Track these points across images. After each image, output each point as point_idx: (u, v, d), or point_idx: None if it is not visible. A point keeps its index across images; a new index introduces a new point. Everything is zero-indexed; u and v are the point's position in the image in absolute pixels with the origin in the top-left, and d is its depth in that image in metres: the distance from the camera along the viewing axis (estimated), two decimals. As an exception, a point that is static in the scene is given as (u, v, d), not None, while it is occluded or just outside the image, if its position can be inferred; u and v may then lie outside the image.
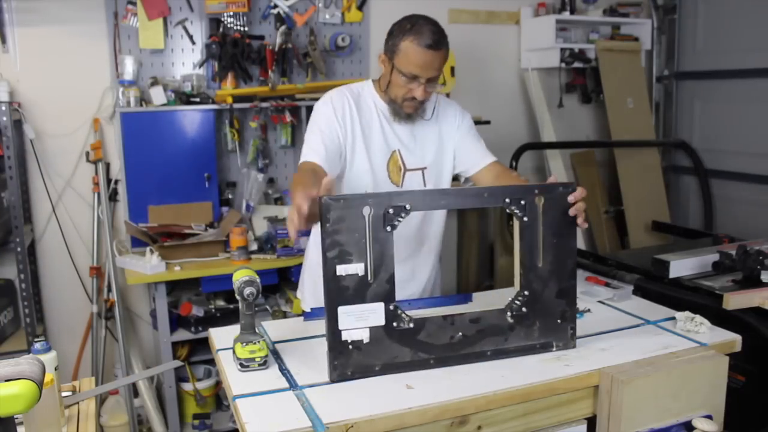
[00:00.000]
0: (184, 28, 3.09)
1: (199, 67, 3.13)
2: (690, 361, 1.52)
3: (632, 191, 3.85)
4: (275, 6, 3.19)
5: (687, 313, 1.72)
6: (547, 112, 3.80)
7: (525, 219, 1.51)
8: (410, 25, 1.79)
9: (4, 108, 2.56)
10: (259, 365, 1.48)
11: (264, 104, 3.08)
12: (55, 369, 1.41)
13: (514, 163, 3.54)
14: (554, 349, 1.57)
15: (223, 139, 3.19)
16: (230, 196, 3.21)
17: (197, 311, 2.86)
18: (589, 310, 1.86)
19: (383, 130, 1.92)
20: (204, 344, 2.95)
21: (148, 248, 2.78)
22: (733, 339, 1.65)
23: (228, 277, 1.57)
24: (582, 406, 1.51)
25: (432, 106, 1.98)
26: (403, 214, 1.43)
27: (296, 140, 3.26)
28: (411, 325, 1.46)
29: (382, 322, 1.43)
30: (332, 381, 1.42)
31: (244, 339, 1.49)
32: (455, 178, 2.10)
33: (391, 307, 1.44)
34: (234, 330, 1.57)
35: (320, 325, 1.50)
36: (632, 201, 3.84)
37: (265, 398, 1.36)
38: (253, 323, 1.53)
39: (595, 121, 4.11)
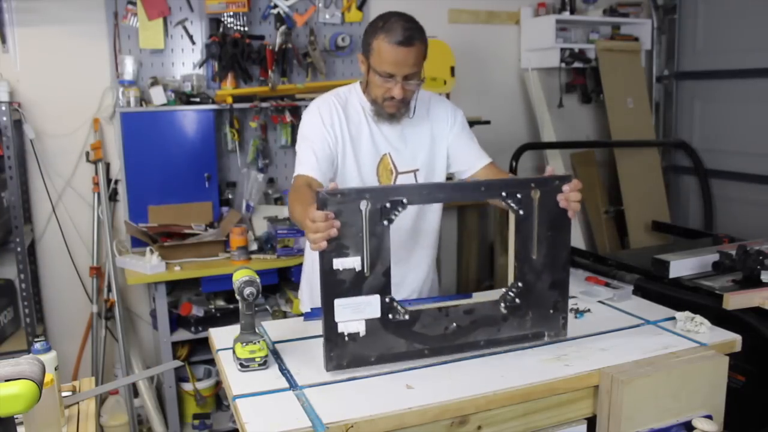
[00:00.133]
0: (184, 28, 3.09)
1: (199, 67, 3.13)
2: (690, 361, 1.52)
3: (632, 191, 3.85)
4: (275, 6, 3.19)
5: (687, 313, 1.72)
6: (547, 112, 3.80)
7: (521, 212, 1.53)
8: (382, 22, 1.76)
9: (4, 108, 2.56)
10: (259, 365, 1.48)
11: (264, 104, 3.08)
12: (55, 369, 1.41)
13: (514, 163, 3.55)
14: (546, 338, 1.60)
15: (223, 139, 3.19)
16: (230, 196, 3.21)
17: (197, 311, 2.86)
18: (589, 310, 1.86)
19: (372, 134, 1.89)
20: (204, 344, 2.94)
21: (148, 248, 2.78)
22: (733, 339, 1.65)
23: (228, 277, 1.57)
24: (582, 406, 1.51)
25: (418, 104, 1.91)
26: (400, 208, 1.44)
27: (296, 140, 3.25)
28: (406, 316, 1.48)
29: (377, 314, 1.45)
30: (327, 371, 1.44)
31: (244, 339, 1.49)
32: (449, 178, 2.08)
33: (387, 300, 1.46)
34: (234, 330, 1.57)
35: (320, 326, 1.49)
36: (632, 201, 3.84)
37: (265, 398, 1.36)
38: (253, 323, 1.53)
39: (595, 121, 4.11)
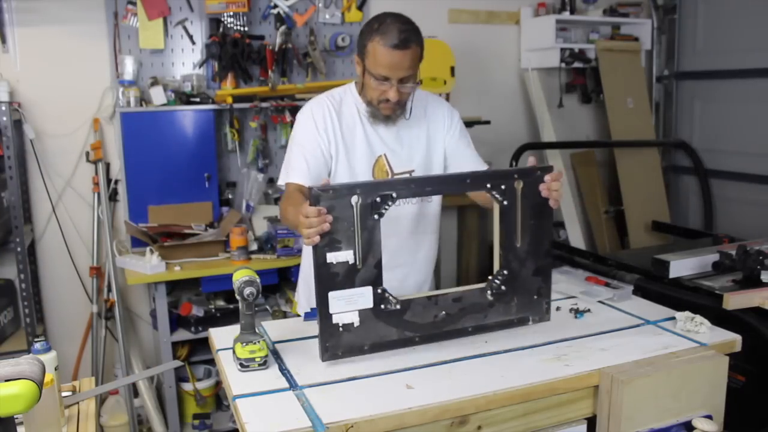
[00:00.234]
0: (184, 28, 3.09)
1: (199, 67, 3.13)
2: (690, 361, 1.52)
3: (632, 191, 3.85)
4: (275, 6, 3.19)
5: (687, 313, 1.72)
6: (547, 112, 3.80)
7: (505, 203, 1.59)
8: (378, 24, 1.73)
9: (4, 108, 2.56)
10: (259, 365, 1.48)
11: (264, 104, 3.08)
12: (55, 369, 1.41)
13: (514, 163, 3.55)
14: (530, 323, 1.67)
15: (223, 139, 3.19)
16: (230, 196, 3.21)
17: (197, 311, 2.86)
18: (589, 310, 1.86)
19: (367, 135, 1.87)
20: (204, 344, 2.94)
21: (148, 248, 2.78)
22: (733, 339, 1.65)
23: (228, 277, 1.57)
24: (582, 406, 1.51)
25: (414, 104, 1.90)
26: (389, 202, 1.49)
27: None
28: (398, 306, 1.54)
29: (370, 304, 1.50)
30: (323, 361, 1.49)
31: (244, 339, 1.49)
32: None
33: (379, 291, 1.51)
34: (234, 330, 1.57)
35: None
36: (632, 201, 3.84)
37: (265, 398, 1.36)
38: (253, 323, 1.53)
39: (595, 121, 4.11)
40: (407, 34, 1.71)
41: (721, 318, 1.82)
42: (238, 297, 1.50)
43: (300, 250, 2.78)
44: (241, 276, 1.50)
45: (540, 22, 3.70)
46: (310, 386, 1.40)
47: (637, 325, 1.76)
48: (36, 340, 1.43)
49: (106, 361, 3.05)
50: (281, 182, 1.87)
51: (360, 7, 3.35)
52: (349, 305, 1.48)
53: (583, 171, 3.94)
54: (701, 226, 3.86)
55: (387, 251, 1.66)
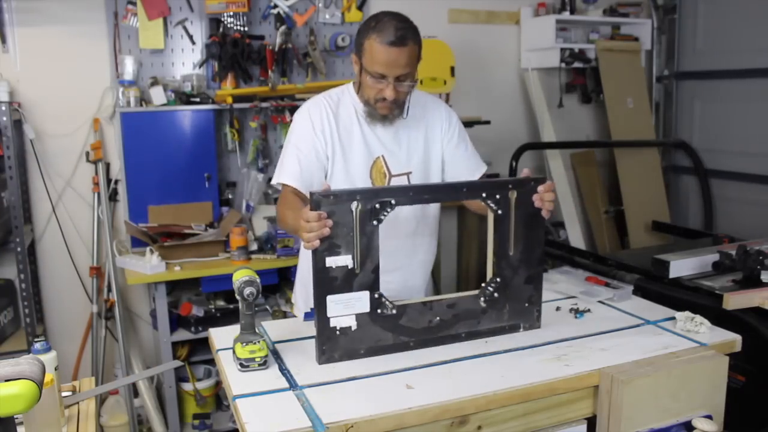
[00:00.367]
0: (184, 28, 3.09)
1: (199, 67, 3.13)
2: (690, 361, 1.52)
3: (632, 191, 3.85)
4: (275, 6, 3.19)
5: (687, 313, 1.72)
6: (547, 112, 3.80)
7: (499, 212, 1.64)
8: (375, 22, 1.72)
9: (4, 108, 2.56)
10: (259, 365, 1.48)
11: (264, 104, 3.08)
12: (55, 369, 1.41)
13: (514, 163, 3.54)
14: (521, 329, 1.70)
15: (223, 139, 3.19)
16: (230, 196, 3.21)
17: (197, 311, 2.86)
18: (589, 310, 1.86)
19: (364, 136, 1.85)
20: (204, 344, 2.94)
21: (148, 248, 2.78)
22: (733, 339, 1.65)
23: (228, 277, 1.57)
24: (582, 406, 1.51)
25: (412, 105, 1.88)
26: (388, 209, 1.53)
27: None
28: (394, 311, 1.56)
29: (367, 309, 1.53)
30: (319, 364, 1.50)
31: (244, 339, 1.49)
32: None
33: (376, 295, 1.54)
34: (234, 330, 1.57)
35: (320, 325, 1.51)
36: (632, 201, 3.84)
37: (265, 398, 1.36)
38: (253, 323, 1.53)
39: (595, 121, 4.11)
40: (404, 32, 1.70)
41: (721, 318, 1.83)
42: (238, 297, 1.50)
43: (299, 251, 2.79)
44: (241, 276, 1.50)
45: (540, 22, 3.70)
46: (310, 386, 1.40)
47: (637, 325, 1.76)
48: (36, 340, 1.43)
49: (106, 361, 3.05)
50: (274, 181, 1.88)
51: (360, 7, 3.35)
52: (346, 309, 1.51)
53: (583, 171, 3.94)
54: (701, 226, 3.86)
55: (384, 254, 1.66)
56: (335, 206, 1.47)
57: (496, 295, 1.65)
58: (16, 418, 1.13)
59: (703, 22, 3.84)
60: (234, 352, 1.50)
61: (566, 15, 3.70)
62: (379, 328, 1.55)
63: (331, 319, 1.50)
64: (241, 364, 1.48)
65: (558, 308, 1.88)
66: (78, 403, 1.49)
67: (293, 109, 3.12)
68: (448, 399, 1.34)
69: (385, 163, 1.87)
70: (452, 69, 3.39)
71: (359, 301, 1.52)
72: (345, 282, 1.50)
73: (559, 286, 2.07)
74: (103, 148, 3.00)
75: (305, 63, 3.25)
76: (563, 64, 3.73)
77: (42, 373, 1.04)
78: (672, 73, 4.07)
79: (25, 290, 2.66)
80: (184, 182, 3.05)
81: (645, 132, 3.97)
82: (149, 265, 2.69)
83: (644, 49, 3.99)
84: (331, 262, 1.48)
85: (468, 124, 3.07)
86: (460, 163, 1.96)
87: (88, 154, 3.00)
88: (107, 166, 3.04)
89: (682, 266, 2.38)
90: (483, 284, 1.66)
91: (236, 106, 3.06)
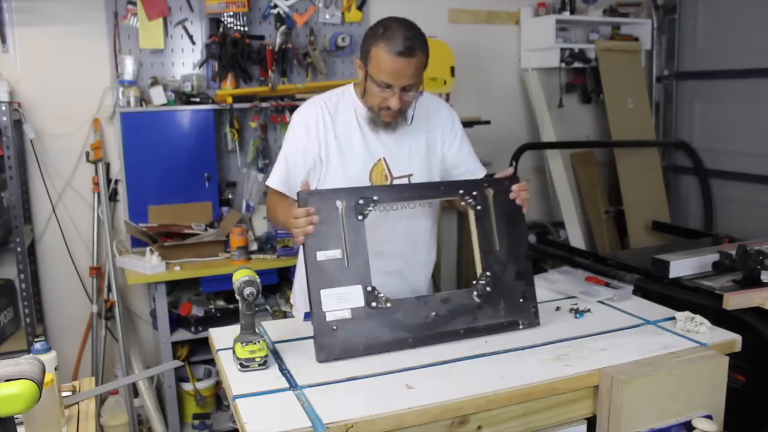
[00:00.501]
0: (184, 28, 3.09)
1: (199, 67, 3.13)
2: (690, 361, 1.52)
3: (632, 191, 3.85)
4: (275, 6, 3.19)
5: (687, 313, 1.72)
6: (547, 112, 3.80)
7: (478, 208, 1.70)
8: (383, 29, 1.67)
9: (4, 108, 2.56)
10: (259, 365, 1.48)
11: (264, 104, 3.08)
12: (55, 369, 1.41)
13: (514, 163, 3.54)
14: (520, 327, 1.70)
15: (223, 139, 3.19)
16: (230, 196, 3.21)
17: (197, 311, 2.86)
18: (589, 310, 1.86)
19: (365, 138, 1.83)
20: (204, 344, 2.94)
21: (148, 248, 2.78)
22: (733, 339, 1.65)
23: (228, 277, 1.57)
24: (582, 406, 1.51)
25: (414, 112, 1.86)
26: (372, 205, 1.60)
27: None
28: (388, 305, 1.59)
29: (361, 303, 1.56)
30: (318, 362, 1.51)
31: (244, 339, 1.49)
32: None
33: (369, 289, 1.57)
34: (234, 330, 1.57)
35: (320, 325, 1.51)
36: (632, 201, 3.84)
37: (265, 398, 1.36)
38: (253, 323, 1.53)
39: (595, 121, 4.11)
40: (412, 42, 1.65)
41: (721, 318, 1.82)
42: (238, 297, 1.50)
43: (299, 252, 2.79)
44: (241, 276, 1.50)
45: (540, 22, 3.70)
46: (310, 386, 1.40)
47: (637, 325, 1.76)
48: (36, 340, 1.43)
49: (106, 361, 3.05)
50: (267, 182, 1.89)
51: (360, 7, 3.35)
52: (341, 303, 1.54)
53: (583, 171, 3.94)
54: (701, 226, 3.86)
55: (385, 256, 1.66)
56: (321, 203, 1.56)
57: (488, 289, 1.68)
58: (16, 418, 1.13)
59: (703, 22, 3.84)
60: (234, 352, 1.50)
61: (566, 15, 3.70)
62: (375, 323, 1.56)
63: (327, 314, 1.53)
64: (241, 364, 1.48)
65: (558, 308, 1.88)
66: (78, 403, 1.49)
67: (293, 109, 3.10)
68: (448, 399, 1.34)
69: (387, 165, 1.85)
70: (452, 69, 3.39)
71: (353, 295, 1.55)
72: (337, 276, 1.55)
73: (559, 286, 2.07)
74: (103, 148, 3.00)
75: (305, 63, 3.25)
76: (563, 64, 3.73)
77: (42, 373, 1.04)
78: (672, 73, 4.07)
79: (25, 290, 2.66)
80: (184, 182, 3.05)
81: (645, 132, 3.97)
82: (149, 265, 2.69)
83: (644, 49, 3.99)
84: (322, 255, 1.54)
85: (468, 124, 3.07)
86: (462, 165, 1.96)
87: (88, 154, 3.00)
88: (107, 166, 3.04)
89: (682, 266, 2.38)
90: (474, 281, 1.69)
91: (236, 106, 3.06)
